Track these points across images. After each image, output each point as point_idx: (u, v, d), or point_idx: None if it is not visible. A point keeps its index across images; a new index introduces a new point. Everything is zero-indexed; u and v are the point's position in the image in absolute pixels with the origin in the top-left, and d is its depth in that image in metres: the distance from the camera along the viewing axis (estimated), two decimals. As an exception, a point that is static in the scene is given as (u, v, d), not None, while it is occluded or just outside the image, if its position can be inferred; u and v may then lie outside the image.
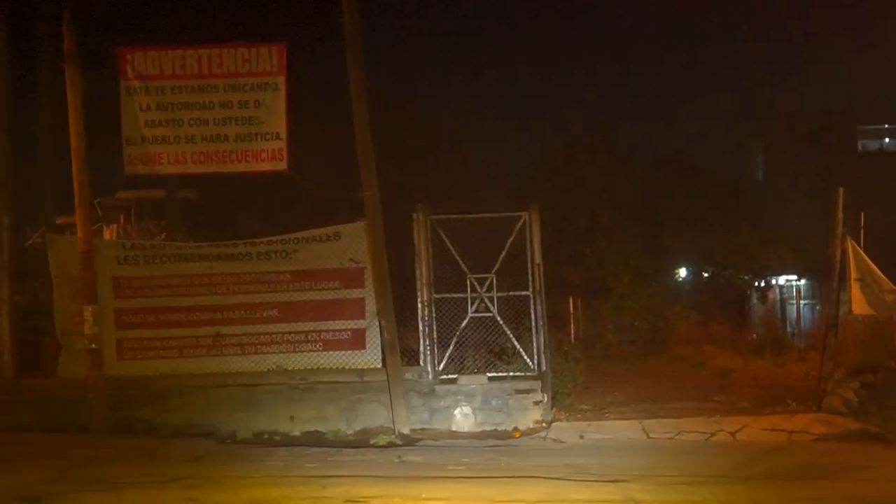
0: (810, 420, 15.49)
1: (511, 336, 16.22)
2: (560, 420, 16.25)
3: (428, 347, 16.18)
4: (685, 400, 17.86)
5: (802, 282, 40.48)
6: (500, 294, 16.27)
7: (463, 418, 16.12)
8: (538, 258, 16.19)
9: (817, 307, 36.26)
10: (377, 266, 16.05)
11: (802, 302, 39.13)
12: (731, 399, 17.85)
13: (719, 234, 37.45)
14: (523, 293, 16.28)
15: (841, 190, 16.05)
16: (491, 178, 41.59)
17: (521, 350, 16.23)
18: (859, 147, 43.49)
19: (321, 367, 16.34)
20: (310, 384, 16.18)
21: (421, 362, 16.22)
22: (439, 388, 16.15)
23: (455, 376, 16.23)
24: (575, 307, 32.40)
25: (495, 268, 16.27)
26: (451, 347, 16.27)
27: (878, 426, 15.13)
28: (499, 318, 16.25)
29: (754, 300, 39.33)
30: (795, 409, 16.17)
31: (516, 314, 16.29)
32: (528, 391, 16.05)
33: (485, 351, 16.45)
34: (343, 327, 16.43)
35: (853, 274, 16.02)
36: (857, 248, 16.10)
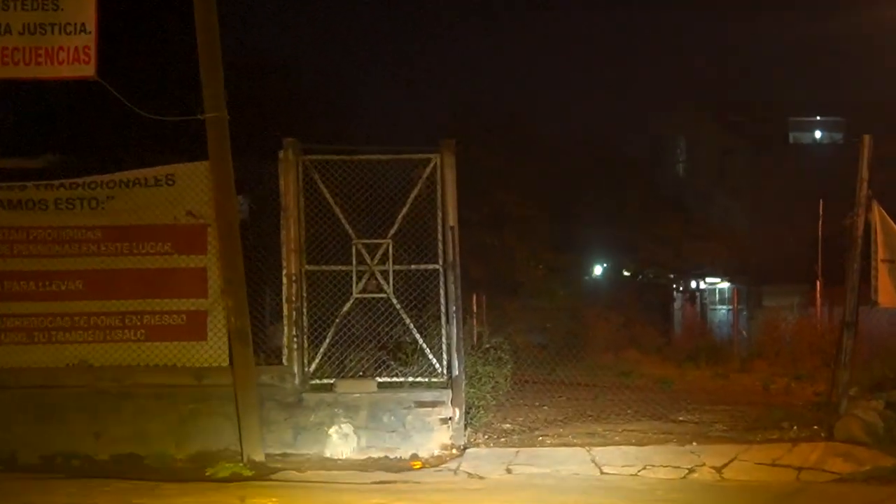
0: (822, 451, 11.19)
1: (411, 326, 11.68)
2: (477, 444, 11.78)
3: (295, 340, 11.60)
4: (639, 418, 13.57)
5: (726, 285, 36.82)
6: (398, 267, 11.77)
7: (341, 440, 11.52)
8: (453, 218, 11.66)
9: (744, 313, 32.72)
10: (225, 223, 11.31)
11: (725, 307, 35.45)
12: (699, 418, 13.57)
13: (642, 227, 33.42)
14: (430, 267, 11.74)
15: (867, 138, 11.71)
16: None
17: (424, 346, 11.70)
18: (790, 139, 39.92)
19: (143, 363, 11.69)
20: (125, 388, 11.60)
21: (285, 360, 11.66)
22: (309, 398, 11.57)
23: (332, 381, 11.71)
24: (478, 305, 28.11)
25: (392, 230, 11.72)
26: (327, 340, 11.76)
27: (916, 461, 10.82)
28: (395, 301, 11.72)
29: (679, 303, 35.44)
30: (797, 436, 11.86)
31: (420, 296, 11.78)
32: (433, 404, 11.52)
33: (375, 347, 11.92)
34: (176, 308, 11.72)
35: (881, 253, 11.75)
36: (888, 217, 11.80)
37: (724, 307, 35.57)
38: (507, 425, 12.87)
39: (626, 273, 36.56)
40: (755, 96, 39.20)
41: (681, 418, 13.58)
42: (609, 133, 39.90)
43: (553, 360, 25.80)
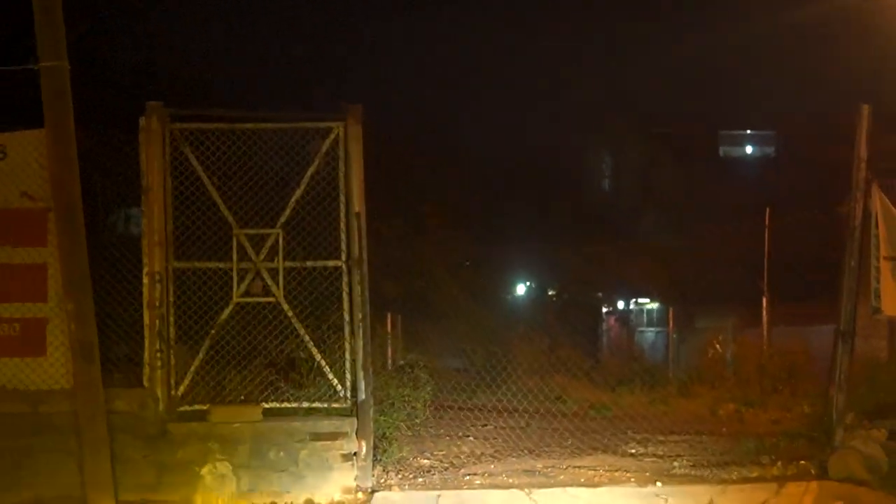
0: (817, 494, 9.07)
1: (307, 339, 9.31)
2: (389, 486, 9.42)
3: (159, 356, 9.17)
4: (584, 451, 11.31)
5: (656, 305, 34.95)
6: (290, 264, 9.41)
7: (216, 482, 9.09)
8: (359, 203, 9.31)
9: (674, 336, 30.81)
10: (64, 206, 8.85)
11: (653, 330, 33.51)
12: (655, 451, 11.33)
13: (568, 245, 31.45)
14: (331, 264, 9.37)
15: (865, 109, 9.59)
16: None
17: (323, 364, 9.32)
18: (721, 153, 38.29)
19: (-40, 385, 9.03)
20: (-64, 417, 8.92)
21: (145, 381, 9.16)
22: (176, 429, 9.14)
23: (206, 407, 9.19)
24: (393, 326, 25.84)
25: (283, 218, 9.35)
26: (200, 356, 9.29)
27: (930, 505, 8.70)
28: (286, 307, 9.33)
29: (607, 324, 33.44)
30: (782, 474, 9.68)
31: (318, 301, 9.38)
32: (333, 436, 9.17)
33: (261, 364, 9.45)
34: (7, 315, 9.21)
35: (883, 249, 9.61)
36: (891, 206, 9.68)
37: (653, 329, 33.68)
38: (427, 461, 10.51)
39: (550, 292, 34.49)
40: (685, 110, 37.60)
41: (633, 451, 11.35)
42: (535, 149, 37.88)
43: (475, 384, 23.59)
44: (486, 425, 13.61)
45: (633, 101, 39.36)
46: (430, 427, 12.35)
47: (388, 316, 25.63)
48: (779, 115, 35.51)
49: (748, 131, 38.50)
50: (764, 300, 24.07)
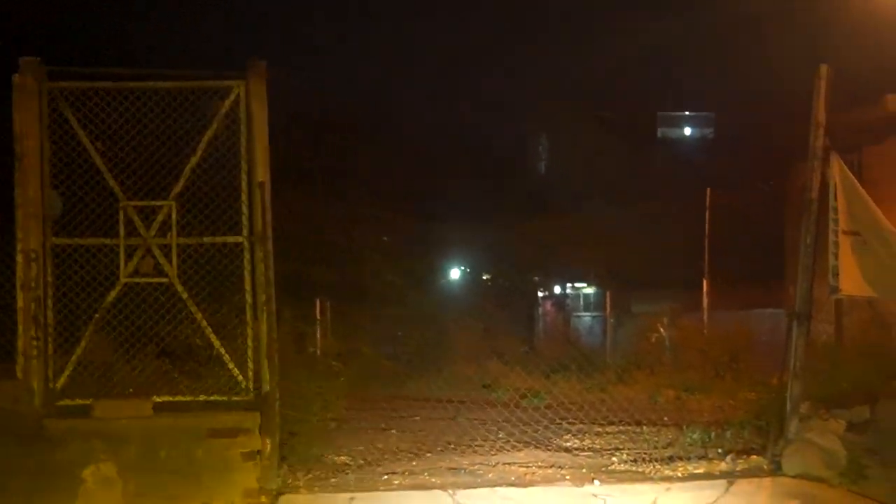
0: (771, 492, 8.26)
1: (204, 324, 8.27)
2: (297, 488, 8.45)
3: (35, 343, 8.11)
4: (515, 445, 10.41)
5: (593, 290, 34.18)
6: (185, 241, 8.41)
7: (100, 487, 8.06)
8: (263, 172, 8.29)
9: (612, 320, 30.05)
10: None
11: (590, 314, 32.70)
12: (593, 444, 10.51)
13: (505, 228, 30.65)
14: (231, 240, 8.36)
15: (824, 69, 8.72)
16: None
17: (222, 351, 8.29)
18: (659, 134, 37.60)
19: None
20: None
21: (19, 372, 8.10)
22: (54, 426, 8.11)
23: (89, 401, 8.14)
24: (322, 313, 24.82)
25: (178, 188, 8.33)
26: (83, 344, 8.21)
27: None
28: (181, 289, 8.32)
29: (543, 309, 32.65)
30: (732, 469, 8.84)
31: (217, 282, 8.36)
32: (233, 432, 8.19)
33: (152, 352, 8.40)
34: None
35: (842, 222, 8.70)
36: (851, 176, 8.81)
37: (590, 314, 32.92)
38: (342, 458, 9.51)
39: (486, 277, 33.62)
40: (623, 92, 36.88)
41: (568, 444, 10.49)
42: (473, 132, 36.83)
43: (405, 372, 22.68)
44: (413, 417, 12.73)
45: (572, 82, 38.48)
46: (351, 421, 11.37)
47: (318, 302, 24.64)
48: (718, 96, 35.00)
49: (686, 113, 37.84)
50: (704, 283, 23.42)
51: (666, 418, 12.45)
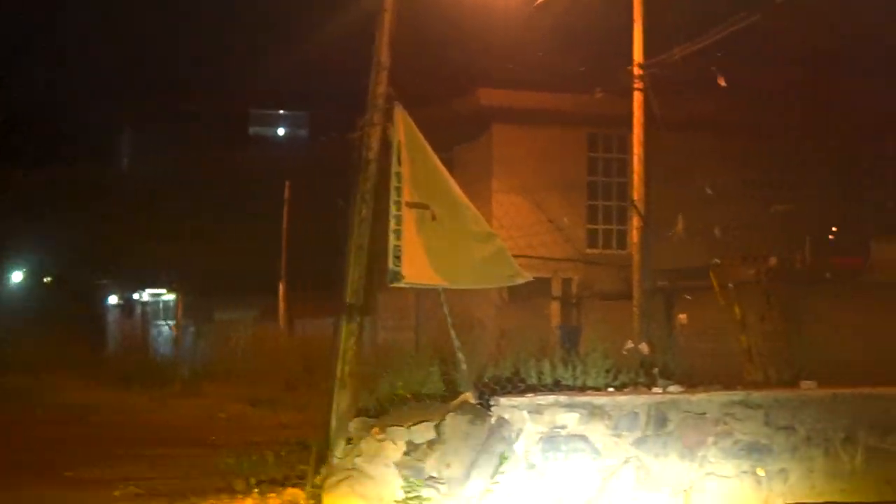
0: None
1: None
2: None
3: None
4: (22, 478, 8.59)
5: (172, 297, 32.19)
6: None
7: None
8: None
9: (191, 329, 28.48)
10: None
11: (170, 323, 30.75)
12: (114, 473, 8.91)
13: (74, 226, 28.49)
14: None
15: (389, 2, 7.45)
16: None
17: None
18: (251, 133, 36.44)
19: None
20: None
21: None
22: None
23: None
24: None
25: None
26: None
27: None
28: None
29: (115, 316, 30.57)
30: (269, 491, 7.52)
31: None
32: None
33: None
34: None
35: (406, 193, 7.24)
36: (419, 134, 7.44)
37: (169, 322, 31.04)
38: None
39: (46, 280, 31.10)
40: (214, 86, 35.33)
41: (87, 474, 8.89)
42: (38, 121, 33.72)
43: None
44: None
45: (159, 74, 36.55)
46: None
47: None
48: (310, 96, 34.26)
49: (281, 112, 37.04)
50: (280, 287, 22.47)
51: (213, 438, 11.15)
